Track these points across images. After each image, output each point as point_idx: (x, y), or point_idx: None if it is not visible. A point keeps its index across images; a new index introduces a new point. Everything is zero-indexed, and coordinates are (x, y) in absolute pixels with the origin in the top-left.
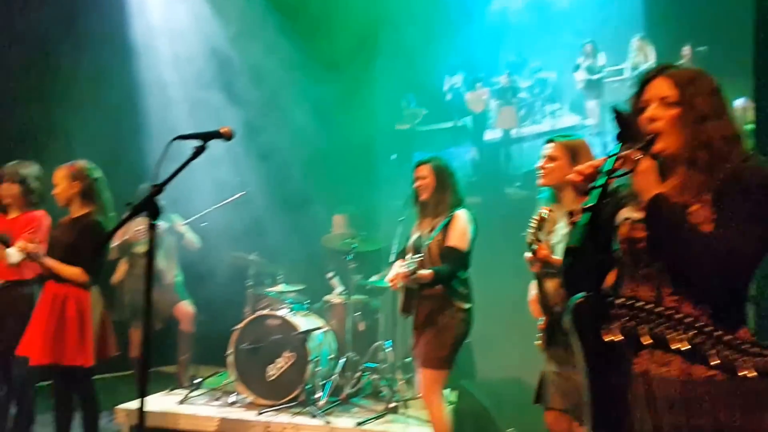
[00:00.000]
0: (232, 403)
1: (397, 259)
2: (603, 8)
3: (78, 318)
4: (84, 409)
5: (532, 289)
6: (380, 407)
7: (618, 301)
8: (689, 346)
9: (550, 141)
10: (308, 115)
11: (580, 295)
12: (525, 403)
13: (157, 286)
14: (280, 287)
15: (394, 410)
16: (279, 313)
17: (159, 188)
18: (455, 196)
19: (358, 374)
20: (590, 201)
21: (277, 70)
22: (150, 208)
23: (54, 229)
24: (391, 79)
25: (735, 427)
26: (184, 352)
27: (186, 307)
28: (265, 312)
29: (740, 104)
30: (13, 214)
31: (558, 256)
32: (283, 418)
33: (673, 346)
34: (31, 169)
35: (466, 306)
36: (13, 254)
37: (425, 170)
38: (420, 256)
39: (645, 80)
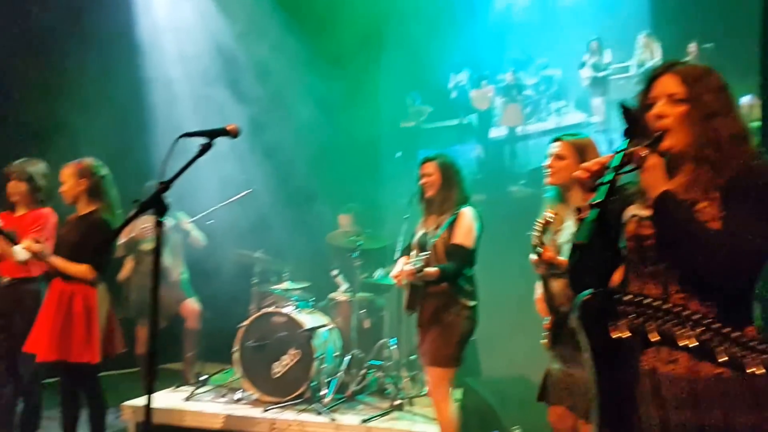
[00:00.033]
0: (238, 400)
1: (401, 255)
2: (609, 5)
3: (85, 315)
4: (90, 405)
5: (538, 288)
6: (385, 404)
7: (625, 298)
8: (697, 343)
9: (557, 140)
10: (313, 113)
11: (587, 292)
12: (530, 401)
13: (163, 283)
14: (286, 284)
15: (400, 407)
16: (284, 310)
17: (165, 185)
18: (461, 194)
19: (363, 371)
20: (598, 197)
21: (283, 67)
22: (157, 205)
23: (61, 226)
24: (396, 76)
25: (742, 425)
26: (190, 349)
27: (192, 305)
28: (270, 309)
29: (746, 102)
30: (20, 212)
31: (565, 256)
32: (289, 415)
33: (681, 343)
34: (38, 167)
35: (472, 303)
36: (21, 252)
37: (431, 167)
38: (426, 254)
39: (652, 77)
